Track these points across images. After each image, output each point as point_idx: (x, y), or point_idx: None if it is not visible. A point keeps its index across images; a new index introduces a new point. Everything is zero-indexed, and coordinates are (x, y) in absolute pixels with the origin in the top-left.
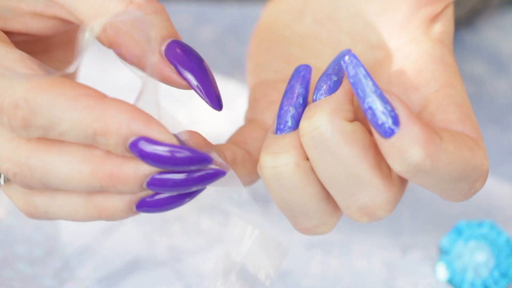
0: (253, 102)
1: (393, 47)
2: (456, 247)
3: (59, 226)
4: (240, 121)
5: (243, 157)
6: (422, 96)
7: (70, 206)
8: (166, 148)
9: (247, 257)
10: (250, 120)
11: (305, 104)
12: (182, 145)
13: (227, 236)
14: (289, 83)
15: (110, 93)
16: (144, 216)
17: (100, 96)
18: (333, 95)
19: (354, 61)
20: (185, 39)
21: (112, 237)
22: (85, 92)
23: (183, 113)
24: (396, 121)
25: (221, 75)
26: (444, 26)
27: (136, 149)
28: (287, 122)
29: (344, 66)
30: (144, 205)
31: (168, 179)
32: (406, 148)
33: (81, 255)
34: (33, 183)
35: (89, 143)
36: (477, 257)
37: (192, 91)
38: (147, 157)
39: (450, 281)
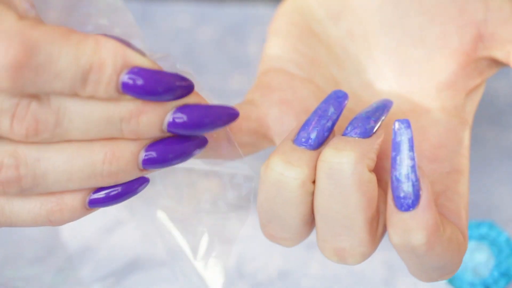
0: (264, 86)
1: (423, 106)
2: None
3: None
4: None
5: (220, 141)
6: (433, 171)
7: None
8: (157, 74)
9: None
10: (252, 103)
11: (331, 129)
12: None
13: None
14: (324, 102)
15: None
16: (144, 216)
17: (84, 33)
18: (367, 140)
19: (407, 131)
20: (185, 39)
21: (113, 236)
22: (71, 30)
23: None
24: (416, 200)
25: (221, 75)
26: (473, 105)
27: (130, 83)
28: (311, 139)
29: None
30: (152, 152)
31: (192, 114)
32: (413, 229)
33: (81, 254)
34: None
35: (78, 87)
36: (477, 257)
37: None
38: (141, 90)
39: (450, 281)
